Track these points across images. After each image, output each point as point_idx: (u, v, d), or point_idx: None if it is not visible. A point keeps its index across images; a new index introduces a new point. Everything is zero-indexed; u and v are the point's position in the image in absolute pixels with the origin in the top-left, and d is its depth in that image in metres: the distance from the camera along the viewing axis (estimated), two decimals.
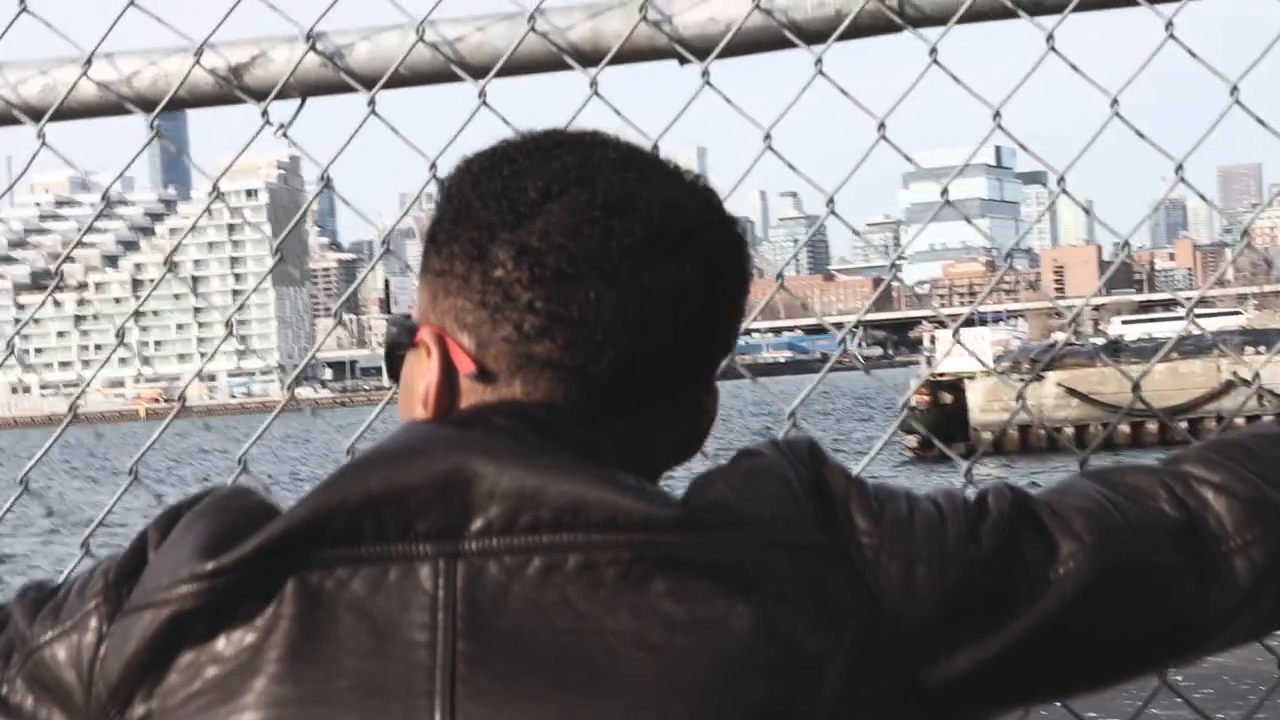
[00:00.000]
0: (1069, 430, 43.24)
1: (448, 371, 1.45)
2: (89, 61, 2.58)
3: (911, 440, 44.74)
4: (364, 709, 1.32)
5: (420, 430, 1.42)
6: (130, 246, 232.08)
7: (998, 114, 2.40)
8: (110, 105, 2.57)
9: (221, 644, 1.35)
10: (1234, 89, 2.30)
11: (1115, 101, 2.34)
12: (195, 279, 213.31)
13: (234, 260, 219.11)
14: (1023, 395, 2.32)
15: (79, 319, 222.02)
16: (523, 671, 1.31)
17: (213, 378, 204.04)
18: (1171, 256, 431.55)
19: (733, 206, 1.53)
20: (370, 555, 1.35)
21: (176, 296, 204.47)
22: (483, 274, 1.42)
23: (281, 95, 2.54)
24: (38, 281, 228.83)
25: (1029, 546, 1.41)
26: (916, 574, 1.37)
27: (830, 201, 2.44)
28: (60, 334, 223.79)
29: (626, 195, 1.43)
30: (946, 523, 1.40)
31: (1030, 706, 1.49)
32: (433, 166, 2.40)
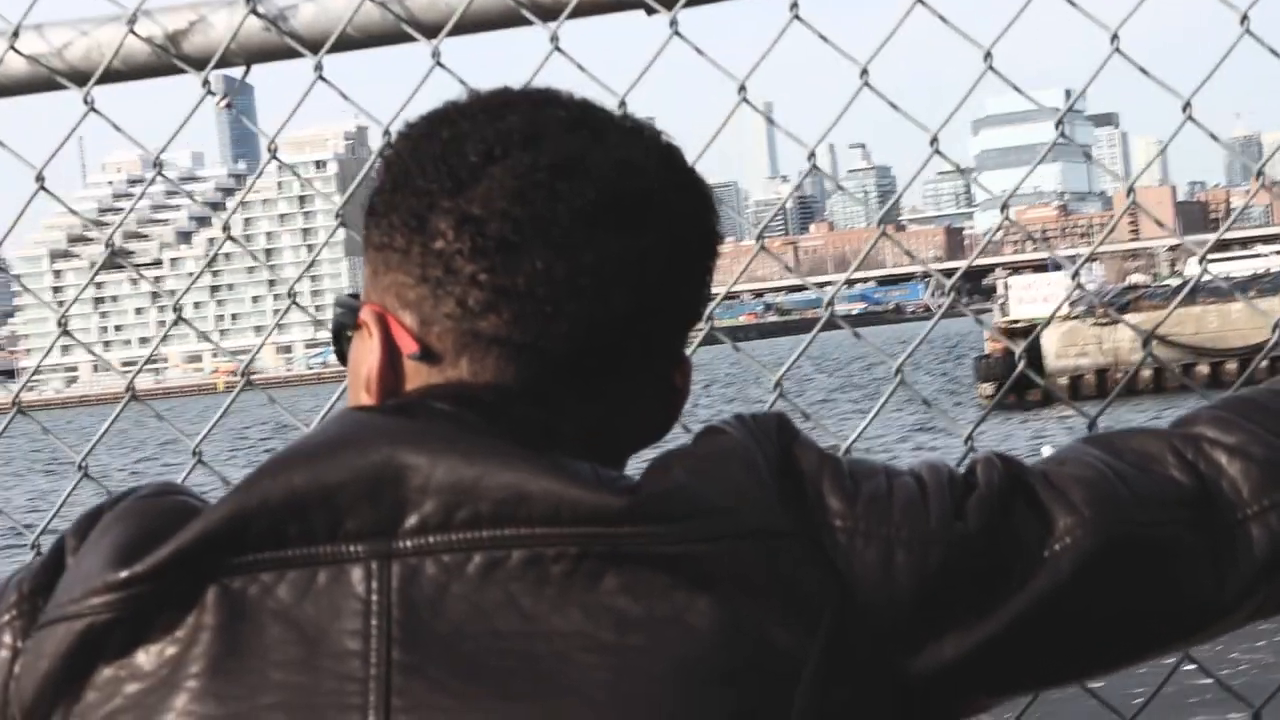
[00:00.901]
0: (1147, 373, 43.02)
1: (390, 353, 1.35)
2: (16, 34, 2.46)
3: (987, 388, 44.61)
4: None
5: (351, 419, 1.31)
6: (203, 222, 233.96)
7: (989, 55, 2.24)
8: (41, 80, 2.46)
9: (141, 658, 1.25)
10: (1244, 18, 2.14)
11: (1115, 37, 2.19)
12: (269, 251, 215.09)
13: (305, 232, 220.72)
14: (1020, 358, 2.16)
15: (155, 295, 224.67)
16: (464, 680, 1.21)
17: (289, 349, 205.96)
18: (1247, 194, 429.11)
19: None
20: (297, 558, 1.24)
21: (250, 270, 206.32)
22: (423, 246, 1.32)
23: (223, 63, 2.42)
24: (113, 260, 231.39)
25: (1022, 522, 1.29)
26: (895, 558, 1.25)
27: (812, 156, 2.30)
28: (138, 310, 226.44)
29: (576, 156, 1.32)
30: (929, 499, 1.28)
31: (1026, 694, 1.38)
32: (386, 133, 2.25)
